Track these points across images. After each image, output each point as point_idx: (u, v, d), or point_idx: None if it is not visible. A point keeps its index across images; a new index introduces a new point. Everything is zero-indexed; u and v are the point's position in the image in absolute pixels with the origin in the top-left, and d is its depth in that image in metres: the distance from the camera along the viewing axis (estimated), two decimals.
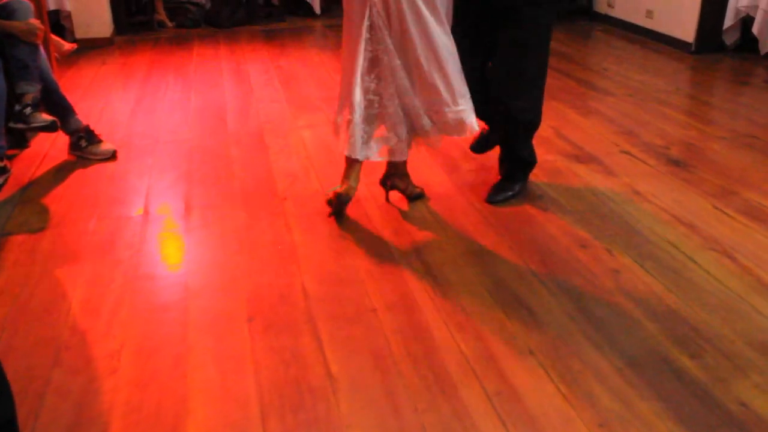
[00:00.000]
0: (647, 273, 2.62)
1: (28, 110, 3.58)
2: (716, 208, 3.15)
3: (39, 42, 3.70)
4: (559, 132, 4.04)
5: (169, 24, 7.15)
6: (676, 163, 3.64)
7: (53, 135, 3.89)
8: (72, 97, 4.10)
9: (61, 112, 3.83)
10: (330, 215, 3.08)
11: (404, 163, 3.16)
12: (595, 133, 4.04)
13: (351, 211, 3.13)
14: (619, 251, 2.78)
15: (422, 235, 2.92)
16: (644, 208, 3.14)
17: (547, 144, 3.86)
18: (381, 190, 3.27)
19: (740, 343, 2.23)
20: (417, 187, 3.28)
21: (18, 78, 3.61)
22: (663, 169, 3.56)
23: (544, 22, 3.09)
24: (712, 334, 2.27)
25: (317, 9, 7.48)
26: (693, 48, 5.86)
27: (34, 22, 3.67)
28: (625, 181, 3.43)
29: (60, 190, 3.46)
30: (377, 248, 2.83)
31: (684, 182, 3.41)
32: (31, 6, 3.76)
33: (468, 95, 2.90)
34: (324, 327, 2.33)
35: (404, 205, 3.19)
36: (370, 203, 3.21)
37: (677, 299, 2.46)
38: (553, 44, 6.12)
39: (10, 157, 3.75)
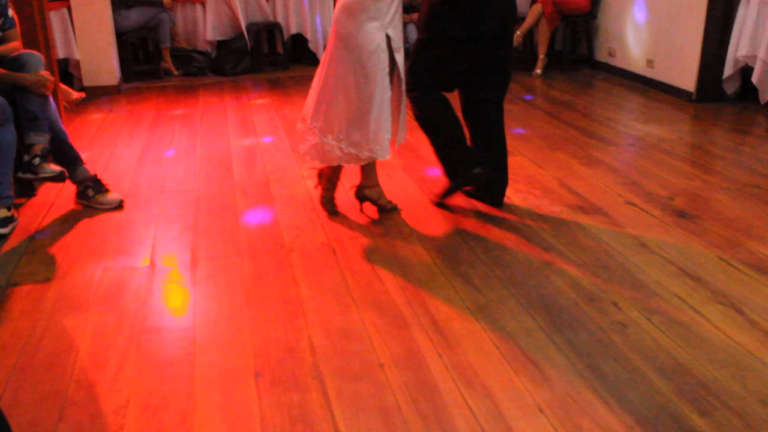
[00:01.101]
0: (655, 327, 2.61)
1: (36, 161, 3.62)
2: (722, 260, 3.15)
3: (49, 93, 3.75)
4: (564, 183, 4.06)
5: (175, 72, 7.24)
6: (680, 214, 3.65)
7: (60, 184, 3.91)
8: (79, 144, 4.14)
9: (69, 161, 3.86)
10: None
11: (373, 174, 3.62)
12: (600, 184, 4.06)
13: (356, 263, 3.13)
14: (626, 304, 2.77)
15: (428, 288, 2.92)
16: (650, 260, 3.14)
17: (551, 195, 3.88)
18: (387, 242, 3.28)
19: (751, 401, 2.21)
20: (390, 202, 3.69)
21: (28, 129, 3.66)
22: (668, 220, 3.57)
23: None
24: (722, 391, 2.26)
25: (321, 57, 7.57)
26: (694, 97, 5.92)
27: (45, 73, 3.73)
28: (630, 232, 3.43)
29: (66, 240, 3.47)
30: (383, 301, 2.82)
31: (689, 233, 3.42)
32: (42, 58, 3.82)
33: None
34: (331, 383, 2.31)
35: (410, 257, 3.19)
36: (376, 255, 3.21)
37: (686, 355, 2.45)
38: (554, 93, 6.24)
39: (18, 206, 3.77)
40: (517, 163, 4.40)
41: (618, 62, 7.03)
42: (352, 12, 3.24)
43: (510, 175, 4.13)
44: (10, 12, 3.89)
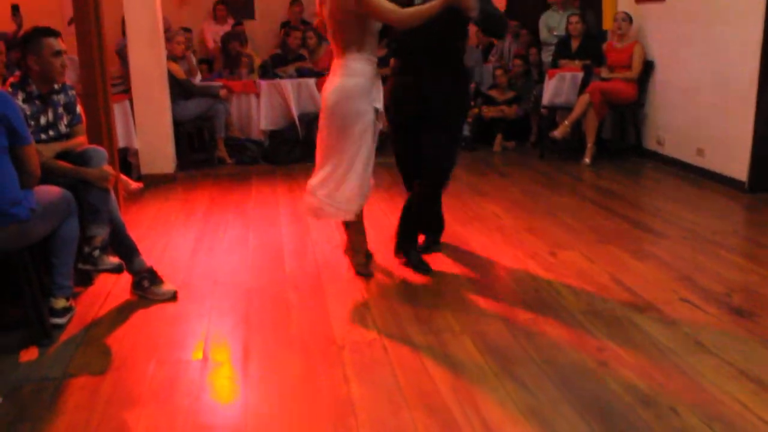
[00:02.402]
0: None
1: (96, 253, 3.73)
2: None
3: (110, 187, 3.89)
4: (616, 278, 4.02)
5: (229, 161, 7.44)
6: (738, 311, 3.57)
7: (115, 273, 4.00)
8: (135, 233, 4.25)
9: (127, 252, 3.96)
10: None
11: (354, 239, 4.21)
12: (653, 279, 4.01)
13: (408, 361, 3.12)
14: (684, 410, 2.70)
15: (480, 389, 2.88)
16: (708, 362, 3.06)
17: (604, 291, 3.84)
18: (438, 339, 3.29)
19: None
20: (368, 270, 4.16)
21: (89, 221, 3.78)
22: (725, 318, 3.49)
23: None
24: None
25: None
26: (747, 187, 5.85)
27: (107, 168, 3.87)
28: (686, 331, 3.36)
29: (122, 331, 3.53)
30: (434, 402, 2.79)
31: (748, 333, 3.34)
32: (106, 153, 3.98)
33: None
34: None
35: (461, 355, 3.17)
36: (428, 353, 3.20)
37: None
38: (603, 182, 6.27)
39: (75, 295, 3.86)
40: (568, 257, 4.37)
41: (667, 151, 7.02)
42: (353, 96, 3.82)
43: (561, 270, 4.14)
44: (78, 108, 4.08)
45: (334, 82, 3.87)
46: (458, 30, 3.99)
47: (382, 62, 7.95)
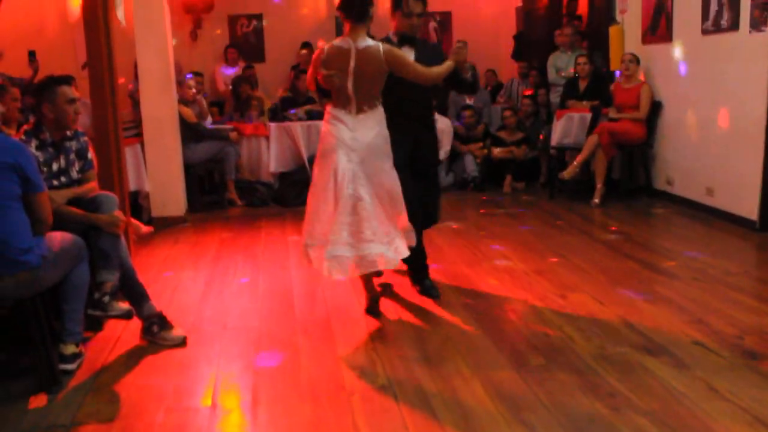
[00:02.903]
0: None
1: (106, 298, 3.73)
2: None
3: (121, 233, 3.91)
4: (627, 321, 3.99)
5: (239, 203, 7.49)
6: (751, 355, 3.53)
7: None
8: (145, 276, 4.27)
9: (136, 297, 3.97)
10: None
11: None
12: (664, 322, 3.98)
13: (418, 407, 3.09)
14: None
15: None
16: (722, 408, 3.02)
17: (615, 334, 3.81)
18: (447, 385, 3.26)
19: None
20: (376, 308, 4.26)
21: (100, 267, 3.80)
22: (738, 362, 3.45)
23: None
24: None
25: None
26: (757, 225, 5.82)
27: (118, 214, 3.90)
28: (699, 375, 3.32)
29: (131, 378, 3.52)
30: None
31: (762, 377, 3.29)
32: (116, 199, 4.01)
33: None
34: None
35: (471, 401, 3.14)
36: (437, 400, 3.17)
37: None
38: (613, 223, 6.23)
39: (85, 340, 3.86)
40: (579, 300, 4.35)
41: (677, 190, 7.01)
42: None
43: (571, 313, 4.13)
44: (90, 154, 4.12)
45: (375, 129, 4.04)
46: (435, 88, 4.56)
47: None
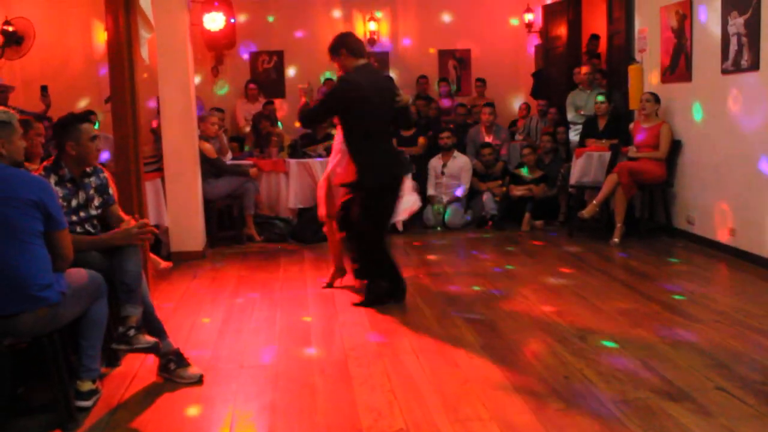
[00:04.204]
0: None
1: (132, 332, 3.72)
2: None
3: (142, 242, 3.94)
4: (647, 364, 3.93)
5: (258, 239, 7.51)
6: None
7: (143, 354, 3.99)
8: (163, 312, 4.26)
9: (155, 334, 3.96)
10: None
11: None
12: (686, 366, 3.91)
13: None
14: None
15: None
16: None
17: (635, 378, 3.75)
18: (464, 430, 3.21)
19: None
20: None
21: (124, 301, 3.79)
22: (764, 410, 3.37)
23: None
24: None
25: (400, 227, 7.77)
26: None
27: (129, 223, 3.93)
28: (723, 423, 3.25)
29: (147, 416, 3.51)
30: None
31: None
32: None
33: None
34: None
35: None
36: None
37: None
38: (633, 263, 6.21)
39: (102, 376, 3.85)
40: (598, 342, 4.30)
41: (698, 230, 6.95)
42: None
43: (591, 355, 4.07)
44: (111, 189, 4.15)
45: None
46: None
47: (409, 142, 8.16)
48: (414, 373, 3.93)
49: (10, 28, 8.63)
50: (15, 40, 8.63)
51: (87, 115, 4.10)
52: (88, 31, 9.94)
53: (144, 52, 5.12)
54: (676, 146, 7.23)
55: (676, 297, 5.26)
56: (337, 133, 5.39)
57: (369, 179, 5.04)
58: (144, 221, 4.05)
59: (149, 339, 3.79)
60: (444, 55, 11.22)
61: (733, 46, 6.18)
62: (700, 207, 6.91)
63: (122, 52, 4.79)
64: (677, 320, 4.71)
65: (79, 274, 3.56)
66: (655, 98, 7.29)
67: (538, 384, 3.72)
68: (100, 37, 9.71)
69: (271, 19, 10.69)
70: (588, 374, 3.82)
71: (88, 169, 3.99)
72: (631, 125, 7.59)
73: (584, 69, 8.75)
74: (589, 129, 7.95)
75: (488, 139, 9.00)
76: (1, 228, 3.18)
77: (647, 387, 3.65)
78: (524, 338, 4.42)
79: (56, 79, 9.34)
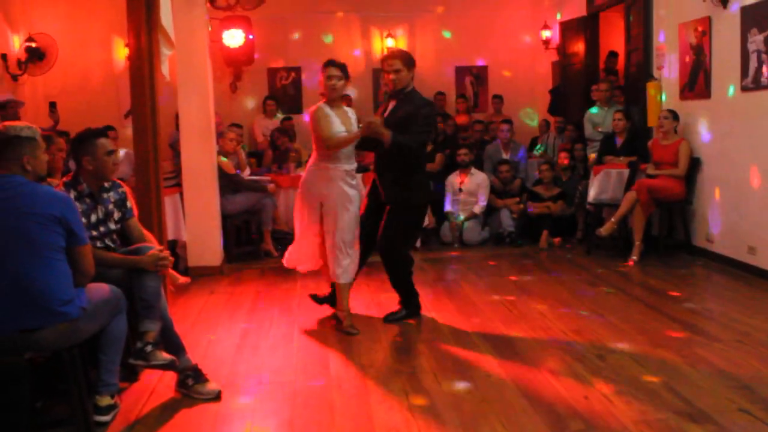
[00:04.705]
0: None
1: (149, 348, 3.73)
2: None
3: (165, 272, 3.94)
4: (668, 385, 3.89)
5: (275, 254, 7.51)
6: None
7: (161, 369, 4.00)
8: (181, 327, 4.26)
9: (173, 349, 3.96)
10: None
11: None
12: (707, 387, 3.86)
13: None
14: None
15: None
16: None
17: (655, 399, 3.71)
18: None
19: None
20: (352, 326, 4.97)
21: (143, 316, 3.81)
22: None
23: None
24: None
25: (418, 243, 7.74)
26: None
27: (156, 250, 3.93)
28: None
29: (164, 431, 3.51)
30: None
31: None
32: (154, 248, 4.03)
33: None
34: None
35: None
36: None
37: None
38: (651, 281, 6.13)
39: (120, 391, 3.86)
40: (617, 361, 4.26)
41: (717, 248, 6.88)
42: None
43: (611, 375, 4.05)
44: (129, 203, 4.17)
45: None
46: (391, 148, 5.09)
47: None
48: (431, 391, 3.91)
49: (33, 44, 8.76)
50: (38, 56, 8.75)
51: (104, 131, 4.14)
52: (108, 47, 10.06)
53: (165, 68, 5.17)
54: (695, 164, 7.19)
55: (697, 316, 5.21)
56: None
57: (423, 196, 5.25)
58: (166, 253, 4.05)
59: (166, 356, 3.79)
60: (461, 71, 11.24)
61: (753, 63, 6.15)
62: (720, 225, 6.85)
63: (143, 68, 4.84)
64: (698, 340, 4.66)
65: (100, 290, 3.57)
66: (674, 115, 7.25)
67: (557, 403, 3.69)
68: (120, 53, 9.83)
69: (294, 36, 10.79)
70: (607, 394, 3.78)
71: (106, 184, 4.02)
72: (650, 142, 7.55)
73: (602, 86, 8.73)
74: (607, 146, 7.92)
75: (506, 155, 9.00)
76: (23, 243, 3.21)
77: (668, 408, 3.61)
78: (543, 356, 4.40)
79: (76, 95, 9.46)
